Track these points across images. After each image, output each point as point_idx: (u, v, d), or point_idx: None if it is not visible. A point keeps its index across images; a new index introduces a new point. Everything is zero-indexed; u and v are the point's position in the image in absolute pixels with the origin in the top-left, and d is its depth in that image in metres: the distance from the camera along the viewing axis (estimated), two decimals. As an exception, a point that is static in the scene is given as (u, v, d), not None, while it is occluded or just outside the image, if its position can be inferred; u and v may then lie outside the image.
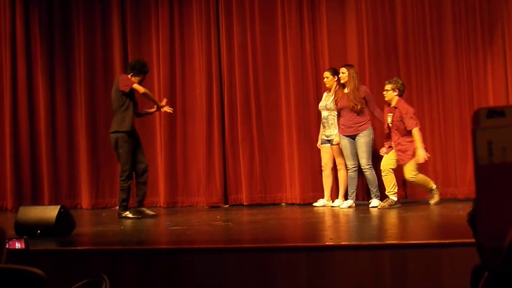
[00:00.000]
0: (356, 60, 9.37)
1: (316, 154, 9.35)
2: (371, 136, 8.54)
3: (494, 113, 1.44)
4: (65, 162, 10.20)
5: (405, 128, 8.31)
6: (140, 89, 8.00)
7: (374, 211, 8.07)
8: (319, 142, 9.02)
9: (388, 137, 8.57)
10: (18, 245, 5.09)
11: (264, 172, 9.60)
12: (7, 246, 2.88)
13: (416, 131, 8.27)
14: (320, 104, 8.96)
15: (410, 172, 8.34)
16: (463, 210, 7.42)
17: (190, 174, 9.88)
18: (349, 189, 8.57)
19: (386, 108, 8.57)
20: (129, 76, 8.07)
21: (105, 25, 10.25)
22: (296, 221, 7.71)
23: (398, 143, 8.37)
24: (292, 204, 9.43)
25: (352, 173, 8.55)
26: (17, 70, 10.29)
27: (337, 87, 8.70)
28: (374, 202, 8.43)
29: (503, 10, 9.10)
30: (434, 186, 8.45)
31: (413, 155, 8.28)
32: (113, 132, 8.03)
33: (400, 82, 8.49)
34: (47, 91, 10.23)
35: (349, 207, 8.41)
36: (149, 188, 9.88)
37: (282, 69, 9.65)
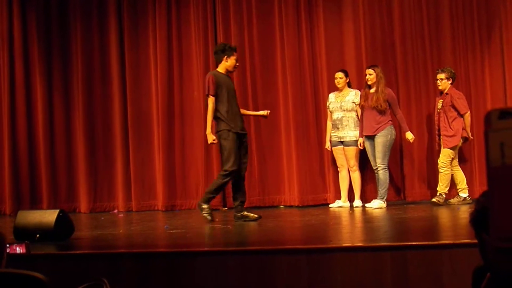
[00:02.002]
0: (353, 60, 9.39)
1: (314, 156, 9.36)
2: (389, 136, 8.55)
3: (506, 114, 1.44)
4: (64, 166, 10.20)
5: (452, 115, 8.51)
6: (209, 104, 7.53)
7: (374, 212, 8.07)
8: (328, 144, 9.04)
9: (437, 125, 8.74)
10: (19, 250, 5.08)
11: (262, 174, 9.59)
12: (8, 251, 2.88)
13: (468, 116, 8.55)
14: (332, 106, 8.95)
15: (444, 158, 8.50)
16: (462, 211, 7.44)
17: (189, 176, 9.87)
18: (379, 189, 8.56)
19: (438, 97, 8.76)
20: (225, 61, 7.63)
21: (102, 27, 10.25)
22: (295, 223, 7.70)
23: (445, 128, 8.55)
24: (291, 206, 9.42)
25: (378, 173, 8.55)
26: (15, 73, 10.28)
27: (364, 87, 8.74)
28: (376, 203, 8.44)
29: (501, 8, 9.12)
30: (446, 191, 8.51)
31: (457, 141, 8.50)
32: (218, 132, 7.59)
33: (453, 70, 8.68)
34: (45, 94, 10.22)
35: (380, 207, 8.42)
36: (147, 191, 9.93)
37: (279, 70, 9.65)
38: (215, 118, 7.51)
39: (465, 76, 9.17)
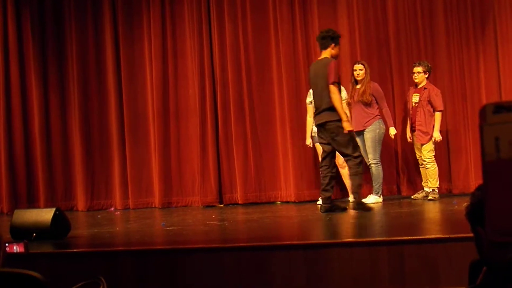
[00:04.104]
0: (348, 55, 9.38)
1: (310, 151, 9.34)
2: (378, 131, 8.52)
3: (501, 108, 1.44)
4: (60, 164, 10.18)
5: (430, 110, 8.48)
6: (335, 92, 7.26)
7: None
8: (309, 140, 8.91)
9: (411, 118, 8.69)
10: (16, 249, 5.08)
11: (259, 171, 9.60)
12: (7, 250, 2.88)
13: (440, 115, 8.49)
14: None
15: (428, 153, 8.49)
16: (458, 205, 7.45)
17: (185, 174, 9.88)
18: (374, 184, 8.56)
19: (412, 89, 8.70)
20: (331, 49, 7.44)
21: (97, 25, 10.23)
22: (292, 219, 7.71)
23: (421, 124, 8.52)
24: (287, 202, 9.43)
25: (372, 169, 8.55)
26: (10, 72, 10.26)
27: (351, 83, 8.72)
28: (371, 198, 8.45)
29: (494, 3, 9.12)
30: (437, 185, 8.51)
31: (430, 139, 8.47)
32: (332, 121, 7.33)
33: (429, 64, 8.67)
34: (40, 93, 10.21)
35: (376, 202, 8.41)
36: (144, 189, 9.93)
37: (274, 66, 9.65)
38: (332, 108, 7.25)
39: (460, 70, 9.17)
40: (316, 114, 7.48)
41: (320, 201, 8.83)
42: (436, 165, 8.53)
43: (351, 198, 8.81)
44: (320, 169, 7.66)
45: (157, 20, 10.02)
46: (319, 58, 7.60)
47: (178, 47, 10.00)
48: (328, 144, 7.48)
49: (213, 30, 9.84)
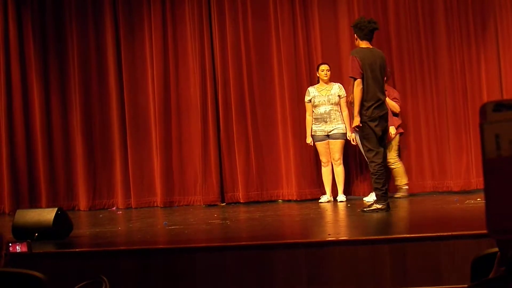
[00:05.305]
0: (349, 55, 9.36)
1: (311, 150, 9.33)
2: None
3: (501, 106, 1.45)
4: (62, 164, 10.18)
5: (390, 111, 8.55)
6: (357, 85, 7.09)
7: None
8: (310, 139, 8.93)
9: None
10: (18, 249, 5.08)
11: (260, 169, 9.60)
12: (10, 250, 2.88)
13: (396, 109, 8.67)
14: (318, 99, 8.86)
15: (391, 153, 8.55)
16: (459, 203, 7.46)
17: (186, 173, 9.88)
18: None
19: None
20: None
21: (98, 27, 10.22)
22: (294, 217, 7.72)
23: None
24: (289, 200, 9.43)
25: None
26: (11, 74, 10.25)
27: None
28: (373, 196, 8.44)
29: (495, 2, 9.12)
30: (404, 181, 8.60)
31: (391, 138, 8.48)
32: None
33: (388, 69, 8.67)
34: (41, 94, 10.20)
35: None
36: (146, 188, 9.93)
37: (276, 66, 9.65)
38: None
39: (461, 69, 9.17)
40: (380, 104, 7.09)
41: (323, 199, 8.85)
42: (400, 164, 8.60)
43: (340, 197, 8.77)
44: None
45: (158, 21, 10.01)
46: (369, 47, 7.23)
47: (179, 48, 9.99)
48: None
49: (214, 30, 9.83)
